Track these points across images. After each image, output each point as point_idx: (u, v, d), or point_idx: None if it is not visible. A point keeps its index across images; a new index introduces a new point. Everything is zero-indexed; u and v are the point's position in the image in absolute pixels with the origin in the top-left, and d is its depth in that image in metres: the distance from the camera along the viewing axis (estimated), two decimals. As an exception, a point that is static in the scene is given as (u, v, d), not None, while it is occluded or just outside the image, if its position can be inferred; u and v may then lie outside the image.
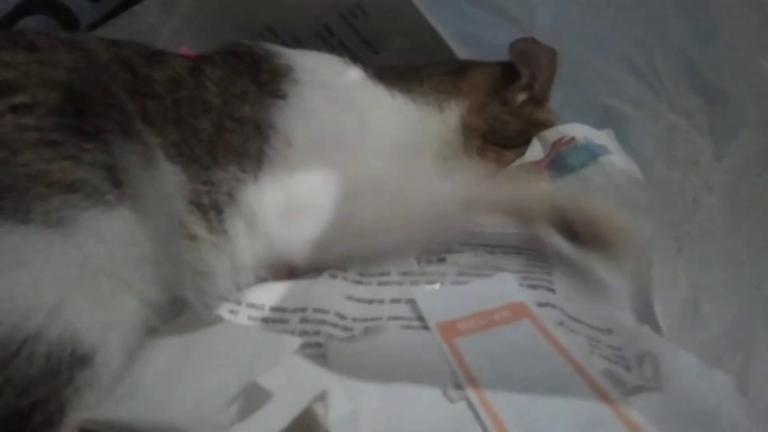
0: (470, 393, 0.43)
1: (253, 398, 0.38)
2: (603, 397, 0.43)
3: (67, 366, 0.38)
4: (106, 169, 0.43)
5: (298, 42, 0.83)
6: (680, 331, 0.56)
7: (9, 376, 0.36)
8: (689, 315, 0.57)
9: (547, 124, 0.76)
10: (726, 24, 0.60)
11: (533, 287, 0.56)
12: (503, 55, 0.77)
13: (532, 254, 0.61)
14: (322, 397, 0.39)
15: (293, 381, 0.40)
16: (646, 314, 0.57)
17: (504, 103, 0.77)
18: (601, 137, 0.72)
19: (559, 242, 0.60)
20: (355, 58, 0.77)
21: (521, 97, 0.77)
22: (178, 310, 0.48)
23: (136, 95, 0.52)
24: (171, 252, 0.47)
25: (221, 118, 0.58)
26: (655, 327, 0.55)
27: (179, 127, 0.54)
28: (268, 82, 0.63)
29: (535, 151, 0.76)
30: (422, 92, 0.73)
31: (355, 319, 0.53)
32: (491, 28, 0.85)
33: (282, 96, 0.62)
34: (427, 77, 0.76)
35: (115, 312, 0.42)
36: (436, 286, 0.57)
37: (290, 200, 0.58)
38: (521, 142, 0.76)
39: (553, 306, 0.53)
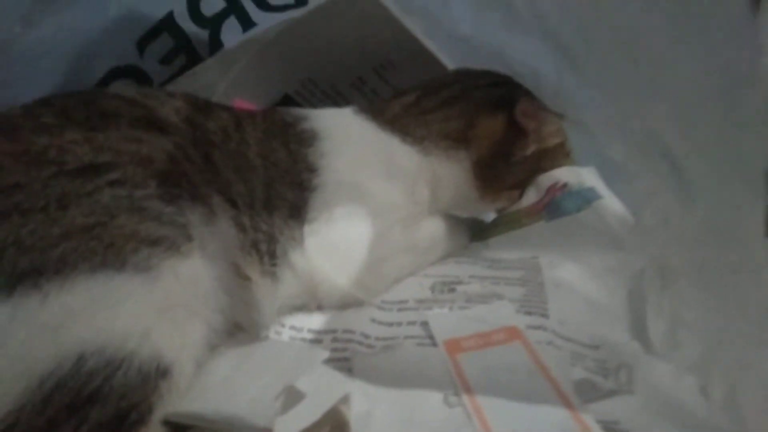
0: (465, 400, 0.52)
1: (291, 397, 0.47)
2: (569, 405, 0.51)
3: (154, 377, 0.46)
4: (181, 227, 0.53)
5: (335, 91, 0.90)
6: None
7: (112, 386, 0.44)
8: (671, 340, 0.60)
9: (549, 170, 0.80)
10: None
11: (529, 313, 0.63)
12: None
13: (531, 286, 0.68)
14: (345, 399, 0.49)
15: (323, 385, 0.50)
16: (639, 333, 0.61)
17: (511, 158, 0.79)
18: (589, 178, 0.76)
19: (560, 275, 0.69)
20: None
21: (529, 150, 0.79)
22: (235, 332, 0.58)
23: (197, 146, 0.62)
24: (229, 289, 0.57)
25: (266, 182, 0.67)
26: (647, 343, 0.60)
27: (239, 181, 0.64)
28: (297, 151, 0.70)
29: (529, 194, 0.81)
30: (433, 140, 0.77)
31: (377, 338, 0.62)
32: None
33: (312, 169, 0.70)
34: (435, 121, 0.79)
35: (188, 335, 0.51)
36: (446, 311, 0.65)
37: (325, 252, 0.67)
38: (525, 185, 0.81)
39: (545, 329, 0.60)
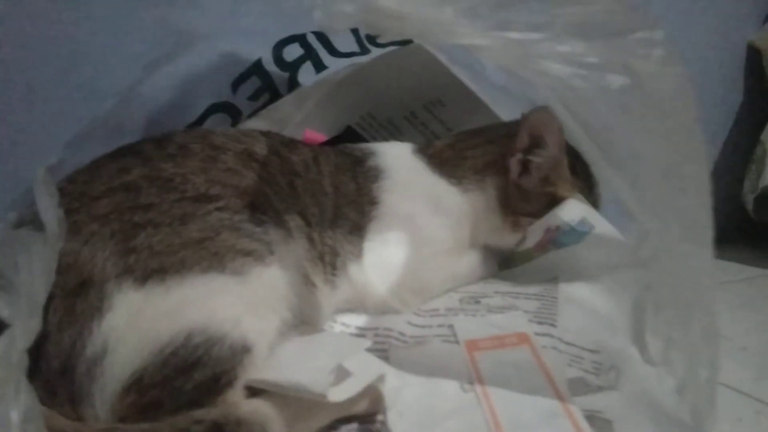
0: (477, 388, 0.64)
1: (340, 374, 0.58)
2: (560, 397, 0.62)
3: (240, 353, 0.59)
4: (266, 243, 0.67)
5: (391, 123, 1.02)
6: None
7: (211, 356, 0.57)
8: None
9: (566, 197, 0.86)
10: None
11: (540, 323, 0.74)
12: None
13: (546, 300, 0.79)
14: (381, 378, 0.61)
15: (364, 366, 0.62)
16: (638, 341, 0.70)
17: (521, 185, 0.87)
18: (577, 210, 0.84)
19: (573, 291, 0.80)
20: (435, 136, 1.00)
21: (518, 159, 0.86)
22: (299, 325, 0.70)
23: (284, 174, 0.77)
24: (298, 292, 0.70)
25: (335, 205, 0.80)
26: (644, 350, 0.68)
27: (314, 204, 0.78)
28: (363, 185, 0.84)
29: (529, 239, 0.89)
30: (468, 176, 0.89)
31: (411, 336, 0.74)
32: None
33: (374, 202, 0.84)
34: (470, 158, 0.91)
35: (266, 325, 0.64)
36: (470, 318, 0.77)
37: (378, 269, 0.81)
38: (542, 213, 0.86)
39: (551, 336, 0.72)
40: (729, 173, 1.72)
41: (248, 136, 0.80)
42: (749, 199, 1.62)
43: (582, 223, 0.82)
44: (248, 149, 0.77)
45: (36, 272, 0.49)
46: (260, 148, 0.78)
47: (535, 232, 0.88)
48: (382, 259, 0.82)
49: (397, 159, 0.90)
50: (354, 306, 0.81)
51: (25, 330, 0.44)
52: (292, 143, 0.85)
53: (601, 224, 0.82)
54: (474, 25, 0.45)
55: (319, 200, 0.80)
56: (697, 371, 0.54)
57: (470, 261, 0.90)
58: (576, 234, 0.82)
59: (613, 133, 0.52)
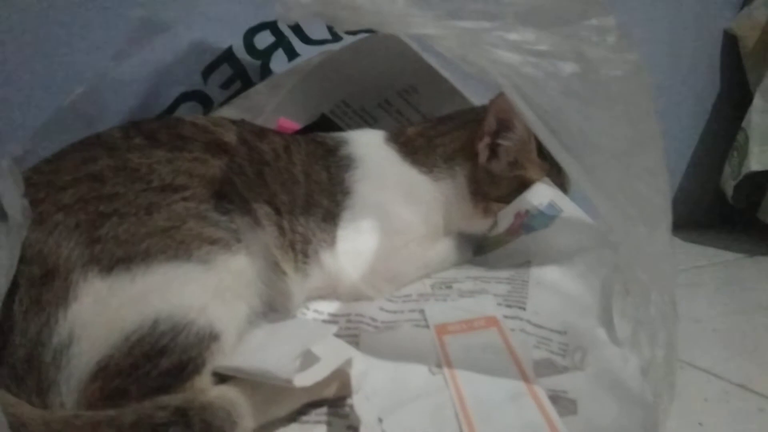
0: (445, 371, 0.65)
1: (308, 359, 0.59)
2: (525, 378, 0.63)
3: (207, 340, 0.59)
4: (232, 231, 0.67)
5: (364, 111, 1.03)
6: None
7: (177, 343, 0.57)
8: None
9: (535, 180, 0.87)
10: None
11: (509, 306, 0.75)
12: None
13: (516, 284, 0.80)
14: (349, 362, 0.62)
15: (331, 351, 0.62)
16: (606, 322, 0.71)
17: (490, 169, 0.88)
18: (545, 193, 0.85)
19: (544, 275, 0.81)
20: (411, 123, 1.00)
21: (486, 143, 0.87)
22: (269, 313, 0.70)
23: (252, 163, 0.77)
24: (268, 280, 0.70)
25: (307, 193, 0.81)
26: (612, 331, 0.69)
27: (284, 192, 0.78)
28: (335, 175, 0.86)
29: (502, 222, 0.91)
30: (438, 164, 0.91)
31: (382, 322, 0.75)
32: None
33: (347, 191, 0.85)
34: (439, 146, 0.92)
35: (234, 312, 0.64)
36: (441, 303, 0.78)
37: (351, 256, 0.82)
38: (511, 199, 0.87)
39: (520, 318, 0.72)
40: (707, 160, 1.74)
41: (218, 125, 0.81)
42: (729, 186, 1.64)
43: (550, 207, 0.84)
44: (217, 139, 0.77)
45: (-2, 261, 0.49)
46: (229, 138, 0.78)
47: (506, 216, 0.89)
48: (356, 247, 0.83)
49: (368, 148, 0.91)
50: (326, 293, 0.82)
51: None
52: (262, 132, 0.85)
53: (569, 207, 0.83)
54: (426, 15, 0.46)
55: (290, 189, 0.80)
56: (656, 351, 0.54)
57: (443, 248, 0.91)
58: (545, 217, 0.84)
59: (567, 120, 0.52)
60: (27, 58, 0.97)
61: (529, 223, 0.85)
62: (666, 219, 0.54)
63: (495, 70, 0.50)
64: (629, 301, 0.69)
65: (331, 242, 0.82)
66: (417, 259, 0.87)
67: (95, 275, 0.58)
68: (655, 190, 0.53)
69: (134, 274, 0.59)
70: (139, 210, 0.63)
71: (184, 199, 0.66)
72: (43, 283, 0.57)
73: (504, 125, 0.87)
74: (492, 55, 0.50)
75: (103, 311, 0.58)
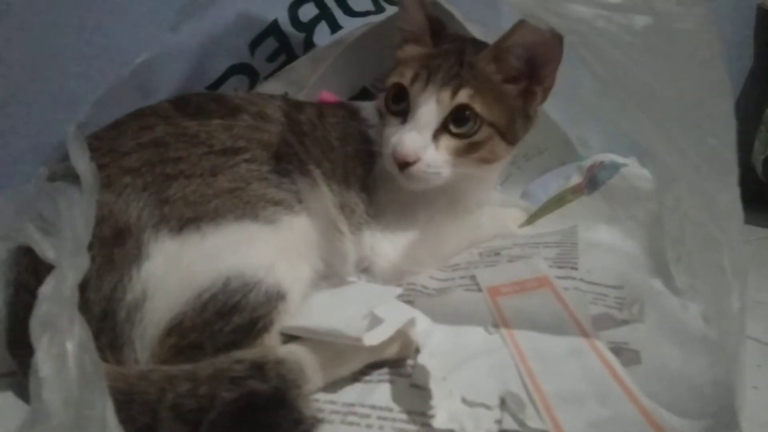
0: (502, 330, 0.66)
1: (372, 321, 0.60)
2: (584, 333, 0.64)
3: (275, 299, 0.61)
4: (294, 192, 0.68)
5: None
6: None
7: (248, 301, 0.59)
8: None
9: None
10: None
11: (560, 267, 0.76)
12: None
13: (566, 247, 0.81)
14: (411, 322, 0.63)
15: (394, 312, 0.63)
16: (661, 271, 0.72)
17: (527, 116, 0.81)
18: (624, 160, 0.89)
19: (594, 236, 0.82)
20: None
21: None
22: (328, 276, 0.72)
23: (295, 134, 0.78)
24: (328, 240, 0.71)
25: (344, 160, 0.81)
26: (670, 281, 0.71)
27: (325, 159, 0.79)
28: (364, 132, 0.84)
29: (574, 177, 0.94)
30: None
31: (435, 289, 0.77)
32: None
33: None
34: None
35: (299, 272, 0.66)
36: (490, 268, 0.78)
37: (386, 237, 0.82)
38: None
39: (573, 278, 0.74)
40: (738, 136, 1.72)
41: (260, 98, 0.82)
42: (759, 161, 1.63)
43: (621, 164, 0.88)
44: (261, 110, 0.78)
45: (77, 217, 0.50)
46: (272, 110, 0.79)
47: (580, 170, 0.93)
48: (393, 226, 0.83)
49: None
50: (365, 267, 0.82)
51: (73, 267, 0.46)
52: (299, 105, 0.85)
53: (632, 164, 0.87)
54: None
55: (329, 156, 0.80)
56: (727, 302, 0.54)
57: (481, 218, 0.91)
58: (613, 168, 0.87)
59: (637, 73, 0.52)
60: (84, 29, 0.98)
61: (597, 175, 0.88)
62: (734, 173, 0.53)
63: (565, 25, 0.50)
64: (684, 252, 0.70)
65: (369, 218, 0.82)
66: (456, 229, 0.87)
67: (166, 234, 0.60)
68: (724, 144, 0.53)
69: (204, 233, 0.60)
70: (204, 172, 0.64)
71: (246, 161, 0.67)
72: (114, 242, 0.59)
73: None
74: (563, 9, 0.50)
75: (175, 269, 0.59)
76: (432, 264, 0.83)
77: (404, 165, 0.74)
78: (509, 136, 0.79)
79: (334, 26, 0.98)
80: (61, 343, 0.42)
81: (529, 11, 0.53)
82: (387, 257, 0.81)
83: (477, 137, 0.76)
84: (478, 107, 0.75)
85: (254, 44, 0.94)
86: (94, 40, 0.99)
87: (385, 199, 0.83)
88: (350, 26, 0.98)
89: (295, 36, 0.97)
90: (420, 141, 0.74)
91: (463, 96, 0.74)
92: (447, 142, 0.76)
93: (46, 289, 0.44)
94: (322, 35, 0.98)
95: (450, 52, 0.79)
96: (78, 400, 0.40)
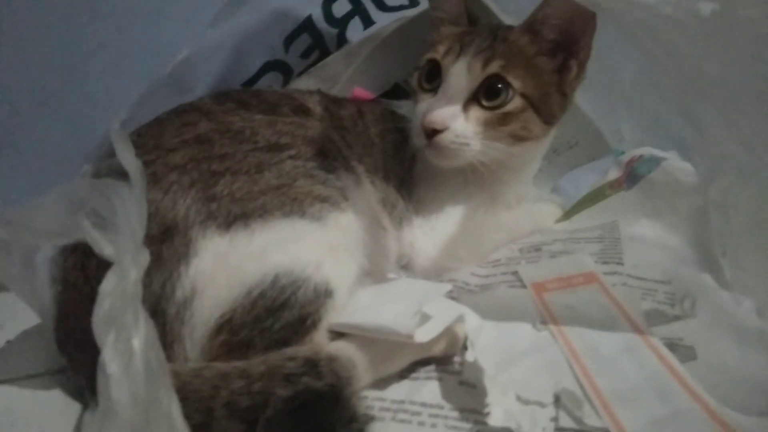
0: (551, 327, 0.65)
1: (421, 317, 0.59)
2: (637, 329, 0.63)
3: (322, 295, 0.60)
4: (340, 189, 0.68)
5: None
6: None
7: (297, 298, 0.58)
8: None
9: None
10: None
11: (606, 263, 0.75)
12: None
13: (608, 242, 0.80)
14: (460, 319, 0.62)
15: (442, 309, 0.62)
16: (710, 266, 0.71)
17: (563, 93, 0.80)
18: (665, 154, 0.87)
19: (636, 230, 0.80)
20: None
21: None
22: (372, 272, 0.71)
23: (336, 129, 0.77)
24: (372, 236, 0.71)
25: (383, 157, 0.80)
26: (719, 274, 0.70)
27: (366, 155, 0.78)
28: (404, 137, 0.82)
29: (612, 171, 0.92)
30: None
31: (476, 285, 0.76)
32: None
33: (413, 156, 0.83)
34: None
35: (346, 269, 0.65)
36: (533, 264, 0.77)
37: (425, 233, 0.81)
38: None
39: (619, 274, 0.72)
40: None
41: (299, 93, 0.81)
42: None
43: (662, 158, 0.87)
44: (301, 105, 0.77)
45: (131, 213, 0.50)
46: (312, 104, 0.79)
47: (619, 164, 0.92)
48: (432, 220, 0.82)
49: None
50: (404, 263, 0.81)
51: (134, 263, 0.45)
52: (338, 100, 0.85)
53: (673, 157, 0.86)
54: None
55: (369, 151, 0.80)
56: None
57: (519, 214, 0.90)
58: (653, 161, 0.86)
59: (701, 60, 0.51)
60: (123, 28, 0.98)
61: (636, 168, 0.87)
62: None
63: (630, 13, 0.49)
64: (732, 245, 0.69)
65: (409, 214, 0.81)
66: (494, 225, 0.85)
67: (214, 231, 0.59)
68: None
69: (253, 230, 0.60)
70: (250, 168, 0.64)
71: (291, 157, 0.67)
72: (162, 239, 0.58)
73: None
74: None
75: (224, 266, 0.58)
76: (471, 260, 0.82)
77: (432, 133, 0.73)
78: (544, 112, 0.78)
79: (368, 22, 0.97)
80: (127, 340, 0.41)
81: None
82: (426, 253, 0.81)
83: (509, 107, 0.75)
84: (510, 78, 0.74)
85: (288, 40, 0.93)
86: (133, 39, 0.99)
87: (425, 196, 0.83)
88: (383, 21, 0.97)
89: (329, 32, 0.96)
90: (449, 110, 0.74)
91: (495, 66, 0.74)
92: (477, 113, 0.75)
93: (107, 286, 0.43)
94: (355, 31, 0.97)
95: (484, 27, 0.79)
96: (145, 398, 0.40)
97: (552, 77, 0.79)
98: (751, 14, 0.48)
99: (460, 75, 0.74)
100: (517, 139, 0.78)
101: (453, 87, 0.75)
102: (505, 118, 0.76)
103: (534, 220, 0.91)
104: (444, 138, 0.74)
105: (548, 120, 0.79)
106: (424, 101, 0.78)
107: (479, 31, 0.79)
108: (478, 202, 0.84)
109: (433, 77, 0.78)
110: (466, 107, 0.75)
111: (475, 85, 0.75)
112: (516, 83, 0.75)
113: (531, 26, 0.77)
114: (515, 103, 0.75)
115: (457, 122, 0.74)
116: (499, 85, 0.74)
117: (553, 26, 0.76)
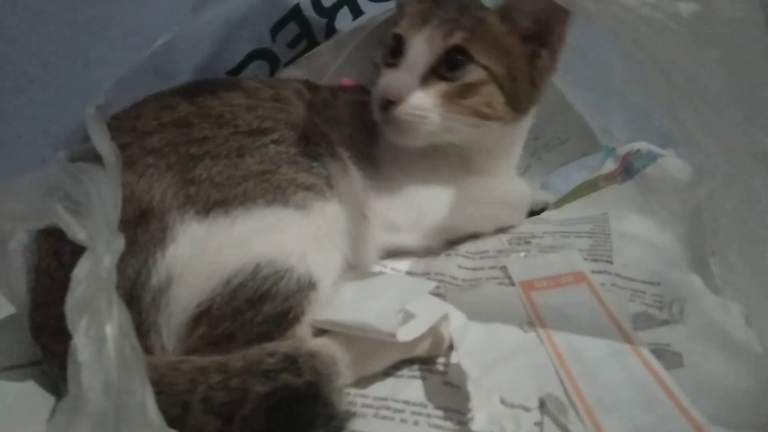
0: (539, 329, 0.64)
1: (405, 316, 0.58)
2: (625, 336, 0.62)
3: (306, 288, 0.58)
4: (325, 177, 0.66)
5: None
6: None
7: (279, 289, 0.56)
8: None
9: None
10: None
11: (595, 260, 0.74)
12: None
13: (599, 237, 0.79)
14: (445, 318, 0.60)
15: (427, 308, 0.61)
16: (700, 267, 0.71)
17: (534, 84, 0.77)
18: (663, 151, 0.87)
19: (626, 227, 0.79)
20: None
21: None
22: (354, 265, 0.69)
23: (318, 115, 0.74)
24: (356, 227, 0.68)
25: (351, 136, 0.76)
26: (708, 276, 0.69)
27: (350, 142, 0.75)
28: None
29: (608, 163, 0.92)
30: None
31: (464, 279, 0.74)
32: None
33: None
34: None
35: (330, 260, 0.63)
36: (522, 257, 0.76)
37: (393, 209, 0.76)
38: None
39: (608, 273, 0.71)
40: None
41: (274, 82, 0.79)
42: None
43: (658, 154, 0.88)
44: (278, 93, 0.74)
45: (105, 197, 0.48)
46: (288, 93, 0.76)
47: (616, 157, 0.94)
48: (398, 199, 0.77)
49: None
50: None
51: (108, 248, 0.43)
52: (314, 87, 0.82)
53: (669, 155, 0.87)
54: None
55: (343, 131, 0.76)
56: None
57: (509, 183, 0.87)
58: (649, 157, 0.87)
59: (682, 62, 0.50)
60: (102, 14, 0.96)
61: (633, 163, 0.88)
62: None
63: (609, 13, 0.48)
64: (720, 248, 0.68)
65: (379, 189, 0.76)
66: (462, 203, 0.80)
67: (192, 217, 0.57)
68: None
69: (234, 217, 0.58)
70: (230, 152, 0.62)
71: (274, 142, 0.65)
72: (137, 223, 0.56)
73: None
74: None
75: (202, 253, 0.57)
76: (439, 238, 0.80)
77: (387, 104, 0.70)
78: (509, 93, 0.74)
79: (356, 12, 0.95)
80: (100, 327, 0.39)
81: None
82: (397, 231, 0.77)
83: (468, 78, 0.71)
84: (473, 50, 0.71)
85: (275, 29, 0.91)
86: (112, 25, 0.97)
87: (388, 175, 0.78)
88: (373, 11, 0.95)
89: (317, 21, 0.93)
90: (406, 80, 0.71)
91: (458, 37, 0.71)
92: (438, 86, 0.71)
93: (80, 272, 0.42)
94: (344, 21, 0.95)
95: (451, 3, 0.76)
96: (118, 386, 0.38)
97: (522, 63, 0.75)
98: (734, 15, 0.47)
99: (421, 46, 0.71)
100: (481, 116, 0.74)
101: (412, 58, 0.71)
102: (466, 90, 0.72)
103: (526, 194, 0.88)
104: (400, 110, 0.70)
105: (513, 104, 0.75)
106: (385, 76, 0.74)
107: (444, 4, 0.76)
108: (444, 181, 0.79)
109: (397, 53, 0.74)
110: (426, 79, 0.71)
111: (435, 57, 0.71)
112: (479, 56, 0.71)
113: (505, 10, 0.74)
114: (477, 74, 0.72)
115: (415, 95, 0.70)
116: (460, 57, 0.71)
117: (527, 13, 0.73)
